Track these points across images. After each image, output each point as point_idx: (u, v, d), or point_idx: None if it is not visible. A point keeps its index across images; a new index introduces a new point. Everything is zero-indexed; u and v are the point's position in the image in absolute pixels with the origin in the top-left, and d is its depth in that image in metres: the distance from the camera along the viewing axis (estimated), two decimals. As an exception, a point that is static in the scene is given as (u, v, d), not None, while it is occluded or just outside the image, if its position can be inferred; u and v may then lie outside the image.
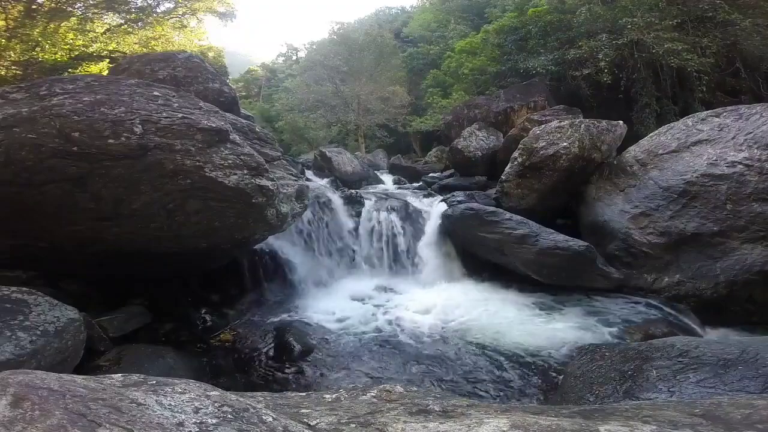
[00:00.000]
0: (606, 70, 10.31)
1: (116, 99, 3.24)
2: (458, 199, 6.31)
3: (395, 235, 5.96)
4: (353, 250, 5.86)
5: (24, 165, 2.90)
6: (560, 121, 6.15)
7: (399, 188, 9.19)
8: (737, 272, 4.07)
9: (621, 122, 6.13)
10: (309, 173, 9.25)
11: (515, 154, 6.09)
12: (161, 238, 3.40)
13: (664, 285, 4.45)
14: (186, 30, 15.71)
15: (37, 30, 11.45)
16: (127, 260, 3.53)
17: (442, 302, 4.70)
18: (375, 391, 1.63)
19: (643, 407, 1.46)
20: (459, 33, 19.84)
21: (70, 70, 12.05)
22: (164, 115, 3.29)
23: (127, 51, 13.33)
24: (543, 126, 6.16)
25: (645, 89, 10.47)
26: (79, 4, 12.70)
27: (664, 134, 5.40)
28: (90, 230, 3.23)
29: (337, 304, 4.79)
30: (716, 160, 4.61)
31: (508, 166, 6.15)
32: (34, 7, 11.82)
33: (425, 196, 7.35)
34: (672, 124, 5.54)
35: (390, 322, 4.30)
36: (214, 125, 3.48)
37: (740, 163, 4.44)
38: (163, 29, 14.53)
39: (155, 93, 3.54)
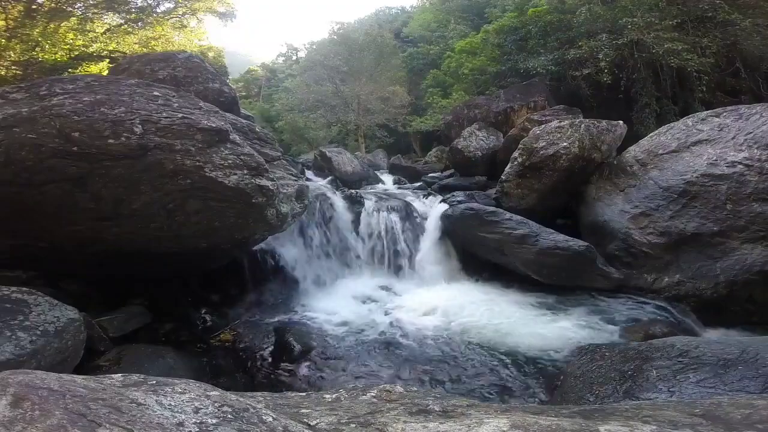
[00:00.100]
0: (606, 70, 10.31)
1: (116, 99, 3.24)
2: (458, 199, 6.31)
3: (395, 235, 5.96)
4: (353, 250, 5.85)
5: (24, 165, 2.90)
6: (560, 121, 6.15)
7: (399, 188, 9.17)
8: (737, 272, 4.07)
9: (621, 122, 6.13)
10: (309, 173, 9.26)
11: (515, 154, 6.09)
12: (161, 238, 3.40)
13: (664, 285, 4.45)
14: (186, 30, 15.73)
15: (37, 30, 11.46)
16: (127, 260, 3.53)
17: (441, 302, 4.69)
18: (375, 391, 1.63)
19: (643, 407, 1.46)
20: (459, 33, 19.85)
21: (70, 70, 12.06)
22: (164, 115, 3.30)
23: (127, 51, 13.34)
24: (543, 126, 6.16)
25: (645, 89, 10.47)
26: (79, 4, 12.71)
27: (664, 134, 5.40)
28: (90, 230, 3.23)
29: (337, 304, 4.79)
30: (716, 160, 4.61)
31: (508, 166, 6.15)
32: (34, 7, 11.83)
33: (425, 196, 7.34)
34: (672, 124, 5.54)
35: (390, 322, 4.30)
36: (214, 125, 3.48)
37: (740, 163, 4.44)
38: (163, 29, 14.55)
39: (155, 93, 3.54)
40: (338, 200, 6.20)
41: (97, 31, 13.64)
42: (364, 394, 1.62)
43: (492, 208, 5.44)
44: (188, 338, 3.85)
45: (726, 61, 10.42)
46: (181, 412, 1.01)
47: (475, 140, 9.20)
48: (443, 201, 6.45)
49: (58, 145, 2.92)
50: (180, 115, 3.37)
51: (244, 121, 4.77)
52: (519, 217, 5.14)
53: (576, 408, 1.58)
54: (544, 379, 3.21)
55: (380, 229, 5.96)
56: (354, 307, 4.76)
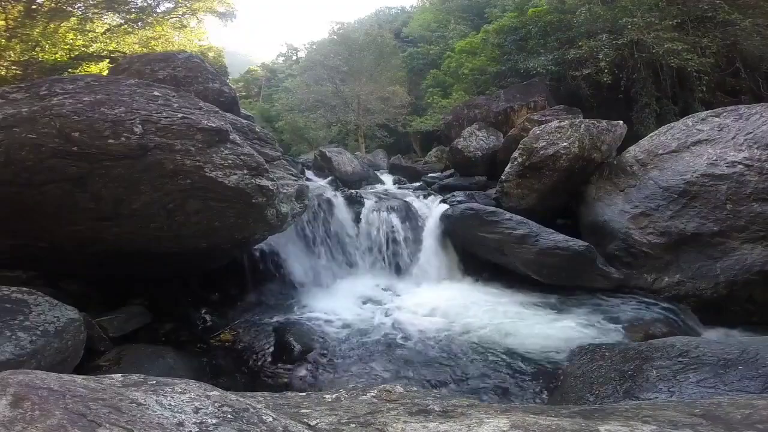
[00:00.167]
0: (606, 70, 10.30)
1: (116, 99, 3.24)
2: (458, 199, 6.31)
3: (395, 235, 5.96)
4: (353, 250, 5.86)
5: (24, 165, 2.90)
6: (560, 121, 6.15)
7: (399, 188, 9.16)
8: (737, 272, 4.07)
9: (621, 122, 6.13)
10: (309, 173, 9.25)
11: (515, 154, 6.09)
12: (161, 238, 3.40)
13: (664, 285, 4.45)
14: (186, 30, 15.72)
15: (37, 30, 11.45)
16: (127, 260, 3.53)
17: (442, 302, 4.70)
18: (375, 391, 1.63)
19: (643, 407, 1.46)
20: (459, 33, 19.84)
21: (70, 70, 12.05)
22: (164, 115, 3.29)
23: (127, 51, 13.33)
24: (543, 126, 6.16)
25: (645, 89, 10.47)
26: (79, 4, 12.70)
27: (664, 134, 5.40)
28: (90, 230, 3.23)
29: (338, 304, 4.79)
30: (716, 160, 4.61)
31: (508, 166, 6.15)
32: (34, 7, 11.82)
33: (425, 196, 7.34)
34: (672, 124, 5.54)
35: (390, 322, 4.30)
36: (214, 125, 3.48)
37: (740, 163, 4.44)
38: (163, 29, 14.54)
39: (155, 93, 3.54)
40: (338, 200, 6.20)
41: (97, 31, 13.64)
42: (364, 394, 1.62)
43: (492, 208, 5.45)
44: (188, 338, 3.85)
45: (726, 61, 10.41)
46: (181, 412, 1.01)
47: (475, 140, 9.21)
48: (443, 201, 6.45)
49: (58, 145, 2.92)
50: (180, 115, 3.37)
51: (244, 121, 4.77)
52: (519, 217, 5.14)
53: (576, 408, 1.59)
54: (544, 379, 3.21)
55: (380, 230, 5.96)
56: (354, 308, 4.76)
